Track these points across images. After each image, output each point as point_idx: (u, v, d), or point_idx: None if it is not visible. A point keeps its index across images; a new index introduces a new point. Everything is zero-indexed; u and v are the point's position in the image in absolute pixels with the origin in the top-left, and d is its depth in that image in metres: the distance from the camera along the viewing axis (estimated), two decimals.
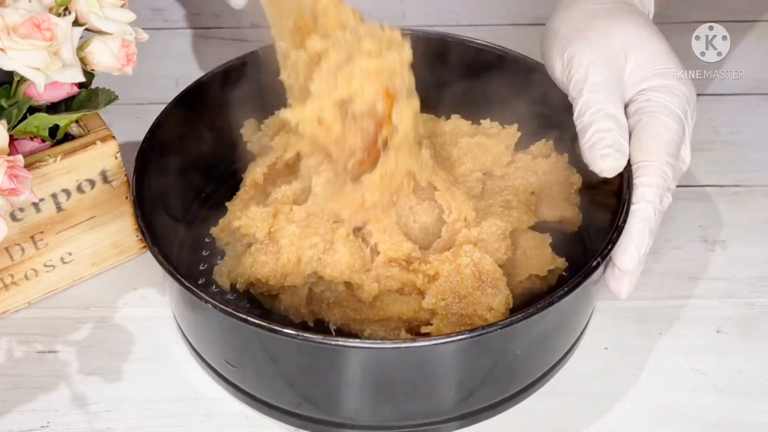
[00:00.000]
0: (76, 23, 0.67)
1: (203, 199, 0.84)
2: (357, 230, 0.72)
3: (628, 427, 0.69)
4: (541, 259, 0.73)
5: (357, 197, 0.69)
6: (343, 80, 0.64)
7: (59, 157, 0.71)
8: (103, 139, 0.73)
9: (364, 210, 0.70)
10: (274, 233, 0.70)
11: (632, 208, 0.67)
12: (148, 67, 0.89)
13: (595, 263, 0.63)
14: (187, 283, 0.62)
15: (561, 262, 0.74)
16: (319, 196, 0.70)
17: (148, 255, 0.73)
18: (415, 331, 0.70)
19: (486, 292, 0.67)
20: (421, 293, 0.69)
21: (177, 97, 0.79)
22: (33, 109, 0.70)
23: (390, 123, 0.65)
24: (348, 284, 0.71)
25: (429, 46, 0.86)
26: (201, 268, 0.79)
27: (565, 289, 0.61)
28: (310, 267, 0.69)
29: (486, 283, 0.67)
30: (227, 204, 0.79)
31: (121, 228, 0.79)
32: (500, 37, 0.97)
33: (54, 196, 0.72)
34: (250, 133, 0.84)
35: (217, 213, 0.80)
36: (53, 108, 0.72)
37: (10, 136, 0.67)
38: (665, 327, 0.76)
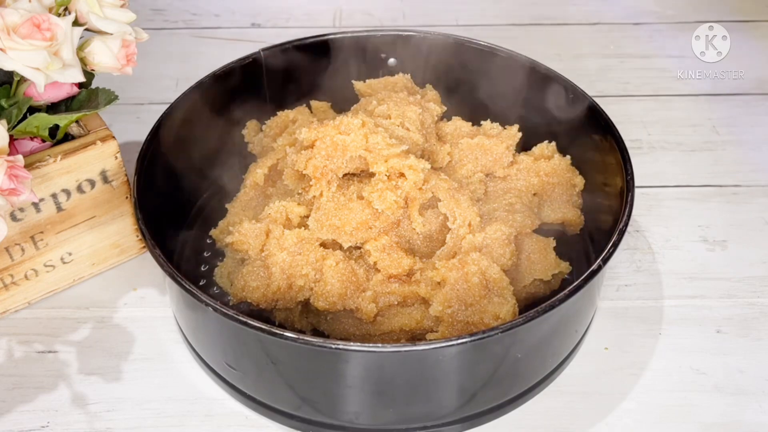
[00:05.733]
0: (76, 23, 0.67)
1: (204, 200, 0.84)
2: (355, 249, 0.72)
3: (628, 426, 0.69)
4: (545, 263, 0.73)
5: (362, 215, 0.69)
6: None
7: (59, 157, 0.71)
8: (103, 139, 0.73)
9: (368, 228, 0.70)
10: (265, 259, 0.70)
11: None
12: (148, 67, 0.89)
13: (597, 266, 0.63)
14: (187, 286, 0.62)
15: (565, 267, 0.74)
16: (322, 212, 0.70)
17: (148, 255, 0.73)
18: (417, 339, 0.69)
19: (492, 300, 0.67)
20: (425, 302, 0.69)
21: (178, 98, 0.79)
22: (33, 109, 0.70)
23: None
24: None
25: (429, 47, 0.87)
26: (202, 269, 0.79)
27: (567, 292, 0.61)
28: (302, 295, 0.69)
29: (493, 292, 0.67)
30: (227, 206, 0.79)
31: (121, 228, 0.79)
32: (500, 37, 0.97)
33: (54, 196, 0.72)
34: (251, 133, 0.85)
35: (218, 214, 0.80)
36: (53, 108, 0.72)
37: (10, 136, 0.67)
38: (665, 327, 0.76)
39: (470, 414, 0.67)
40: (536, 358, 0.67)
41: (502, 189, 0.78)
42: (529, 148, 0.81)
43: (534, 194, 0.78)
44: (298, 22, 1.17)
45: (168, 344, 0.75)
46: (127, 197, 0.77)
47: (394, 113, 0.75)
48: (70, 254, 0.77)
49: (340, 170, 0.70)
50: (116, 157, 0.74)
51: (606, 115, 0.77)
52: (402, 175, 0.70)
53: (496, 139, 0.79)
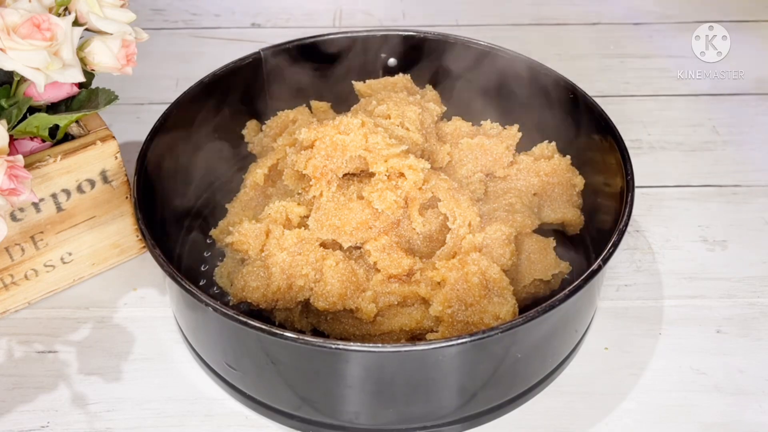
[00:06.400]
0: (76, 23, 0.67)
1: (204, 200, 0.84)
2: (355, 249, 0.72)
3: (628, 426, 0.69)
4: (545, 263, 0.73)
5: (362, 215, 0.69)
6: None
7: (59, 157, 0.71)
8: (103, 139, 0.73)
9: (368, 228, 0.70)
10: (265, 259, 0.70)
11: None
12: (148, 67, 0.89)
13: (597, 266, 0.63)
14: (187, 286, 0.62)
15: (565, 266, 0.74)
16: (322, 212, 0.70)
17: (148, 255, 0.73)
18: (417, 339, 0.69)
19: (492, 300, 0.67)
20: (425, 302, 0.69)
21: (178, 98, 0.79)
22: (33, 109, 0.70)
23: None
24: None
25: (429, 47, 0.87)
26: (202, 269, 0.79)
27: (567, 292, 0.61)
28: (301, 295, 0.69)
29: (493, 292, 0.67)
30: (227, 206, 0.79)
31: (121, 228, 0.79)
32: (500, 37, 0.97)
33: (54, 196, 0.72)
34: (251, 133, 0.85)
35: (218, 214, 0.80)
36: (53, 108, 0.72)
37: (10, 136, 0.67)
38: (665, 327, 0.76)
39: (470, 414, 0.67)
40: (536, 358, 0.67)
41: (502, 189, 0.78)
42: (529, 148, 0.81)
43: (534, 194, 0.78)
44: (298, 22, 1.17)
45: (168, 344, 0.75)
46: (127, 197, 0.77)
47: (394, 113, 0.75)
48: (70, 254, 0.77)
49: (339, 170, 0.70)
50: (116, 157, 0.74)
51: (606, 115, 0.77)
52: (402, 175, 0.70)
53: (496, 139, 0.79)
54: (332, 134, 0.69)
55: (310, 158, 0.70)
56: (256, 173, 0.78)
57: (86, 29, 0.69)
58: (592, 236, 0.78)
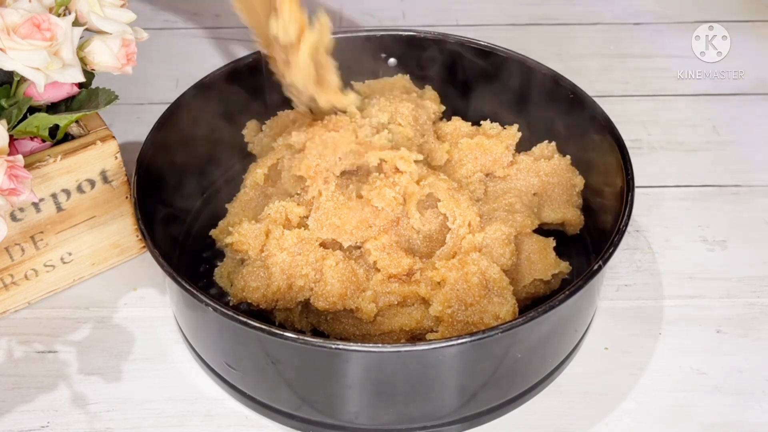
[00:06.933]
0: (76, 23, 0.67)
1: (204, 200, 0.84)
2: (355, 248, 0.72)
3: (628, 426, 0.69)
4: (545, 263, 0.72)
5: (362, 214, 0.69)
6: None
7: (59, 157, 0.71)
8: (103, 139, 0.73)
9: (368, 227, 0.70)
10: (265, 259, 0.70)
11: None
12: (148, 67, 0.89)
13: (596, 266, 0.63)
14: (188, 286, 0.62)
15: (565, 267, 0.74)
16: (322, 211, 0.70)
17: (148, 255, 0.73)
18: (417, 339, 0.69)
19: (492, 300, 0.67)
20: (425, 302, 0.69)
21: (178, 98, 0.79)
22: (33, 109, 0.70)
23: None
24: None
25: (429, 47, 0.87)
26: (202, 269, 0.79)
27: (567, 292, 0.61)
28: (301, 295, 0.69)
29: (493, 292, 0.67)
30: (227, 206, 0.79)
31: (121, 228, 0.79)
32: (500, 37, 0.97)
33: (54, 196, 0.72)
34: (251, 134, 0.85)
35: (218, 214, 0.80)
36: (53, 108, 0.72)
37: (10, 136, 0.67)
38: (665, 327, 0.76)
39: (470, 414, 0.67)
40: (536, 358, 0.67)
41: (502, 189, 0.78)
42: (529, 148, 0.81)
43: (534, 194, 0.78)
44: None
45: (168, 344, 0.75)
46: (127, 197, 0.77)
47: (386, 108, 0.75)
48: (70, 254, 0.77)
49: (335, 168, 0.70)
50: (116, 157, 0.74)
51: (606, 115, 0.77)
52: (398, 170, 0.70)
53: (496, 139, 0.79)
54: (321, 133, 0.70)
55: (303, 159, 0.70)
56: (256, 173, 0.78)
57: (86, 29, 0.69)
58: (592, 236, 0.78)
